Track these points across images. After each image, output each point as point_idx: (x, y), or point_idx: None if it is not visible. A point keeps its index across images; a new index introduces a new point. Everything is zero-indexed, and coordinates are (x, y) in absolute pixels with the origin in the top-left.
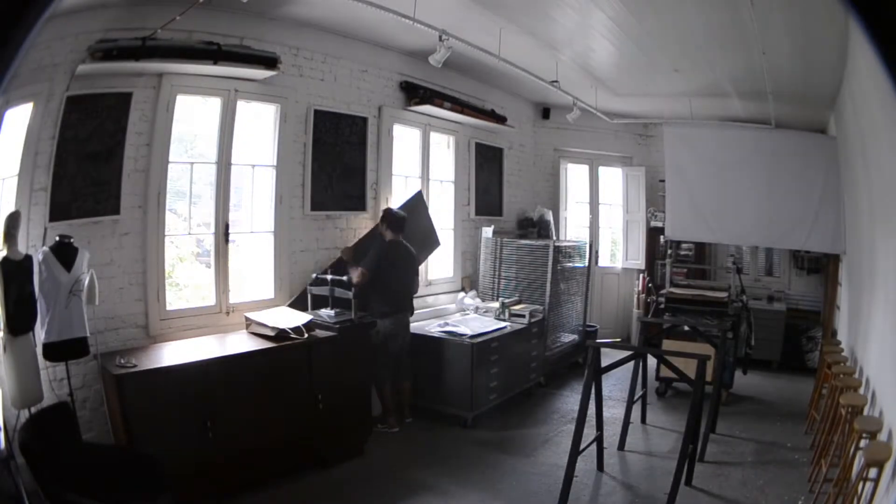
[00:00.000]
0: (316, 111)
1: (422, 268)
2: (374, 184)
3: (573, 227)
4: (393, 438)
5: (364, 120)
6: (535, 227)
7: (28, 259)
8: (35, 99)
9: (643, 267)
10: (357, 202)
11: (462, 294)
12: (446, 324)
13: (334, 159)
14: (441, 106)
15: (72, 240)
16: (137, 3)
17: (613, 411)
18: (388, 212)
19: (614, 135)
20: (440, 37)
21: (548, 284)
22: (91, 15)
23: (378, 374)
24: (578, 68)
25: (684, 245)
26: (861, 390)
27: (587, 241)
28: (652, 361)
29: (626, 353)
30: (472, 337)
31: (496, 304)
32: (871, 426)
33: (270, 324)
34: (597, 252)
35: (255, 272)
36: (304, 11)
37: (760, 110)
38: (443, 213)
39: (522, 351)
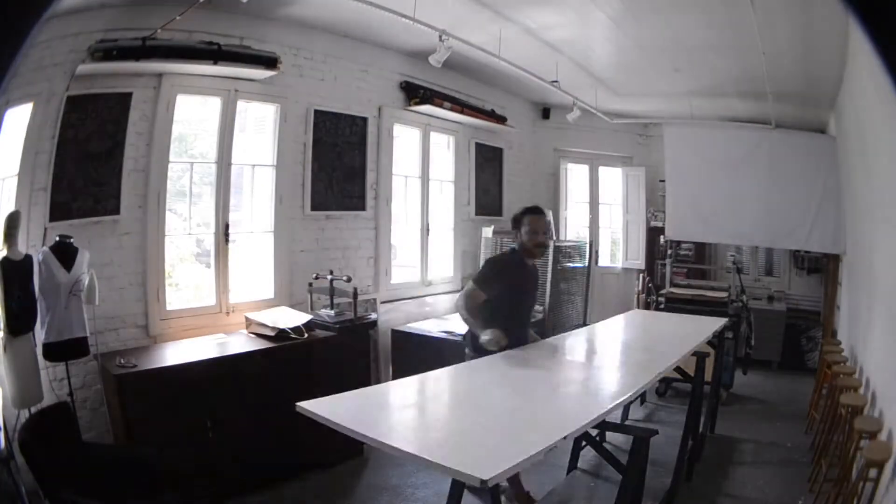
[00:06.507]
0: (316, 111)
1: (421, 267)
2: (374, 184)
3: (573, 227)
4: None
5: (364, 120)
6: None
7: (28, 259)
8: (35, 99)
9: (643, 267)
10: (357, 202)
11: None
12: (446, 323)
13: (334, 159)
14: (441, 106)
15: (72, 240)
16: (137, 3)
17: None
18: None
19: (614, 135)
20: (440, 37)
21: (548, 284)
22: (91, 15)
23: None
24: (578, 68)
25: (684, 245)
26: (861, 390)
27: (587, 241)
28: None
29: None
30: None
31: None
32: (871, 426)
33: (270, 324)
34: (597, 252)
35: (255, 272)
36: (304, 11)
37: (760, 110)
38: (443, 213)
39: None
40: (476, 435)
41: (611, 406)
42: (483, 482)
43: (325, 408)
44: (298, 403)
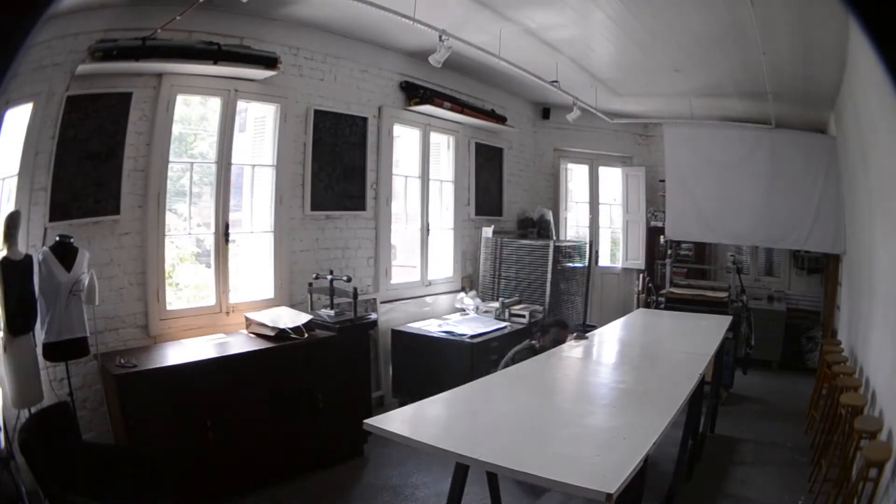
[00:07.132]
0: (316, 111)
1: (421, 267)
2: (374, 184)
3: (573, 227)
4: (392, 440)
5: (364, 120)
6: (535, 227)
7: (28, 259)
8: (35, 99)
9: (643, 267)
10: (357, 202)
11: (462, 294)
12: (446, 323)
13: (334, 159)
14: (441, 106)
15: (72, 240)
16: (137, 3)
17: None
18: None
19: (614, 135)
20: (440, 37)
21: (548, 284)
22: (91, 15)
23: None
24: (578, 68)
25: (684, 245)
26: (861, 390)
27: (587, 241)
28: None
29: None
30: (472, 337)
31: (496, 304)
32: (871, 426)
33: (270, 324)
34: (597, 252)
35: (255, 272)
36: (304, 11)
37: (760, 110)
38: (443, 214)
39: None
40: (570, 447)
41: (681, 404)
42: (609, 496)
43: (397, 425)
44: (366, 421)
